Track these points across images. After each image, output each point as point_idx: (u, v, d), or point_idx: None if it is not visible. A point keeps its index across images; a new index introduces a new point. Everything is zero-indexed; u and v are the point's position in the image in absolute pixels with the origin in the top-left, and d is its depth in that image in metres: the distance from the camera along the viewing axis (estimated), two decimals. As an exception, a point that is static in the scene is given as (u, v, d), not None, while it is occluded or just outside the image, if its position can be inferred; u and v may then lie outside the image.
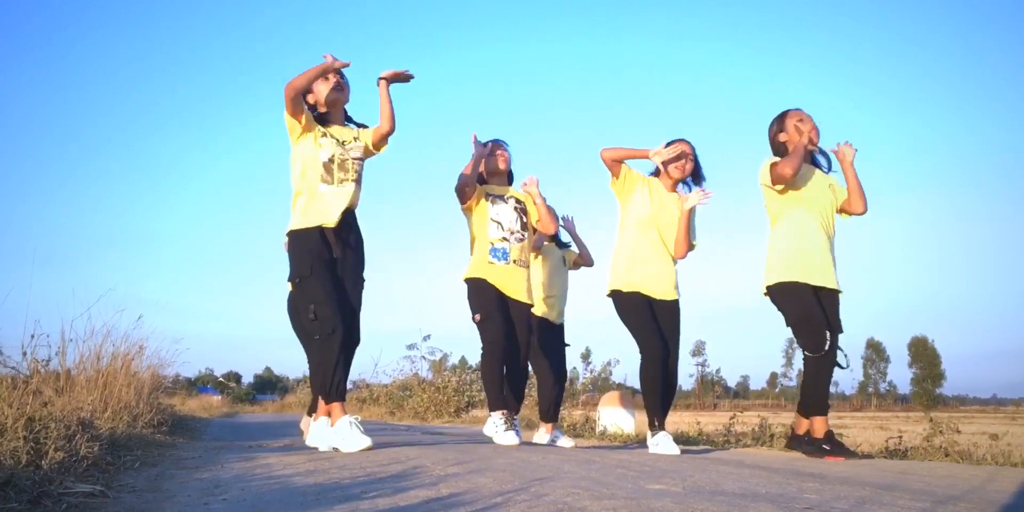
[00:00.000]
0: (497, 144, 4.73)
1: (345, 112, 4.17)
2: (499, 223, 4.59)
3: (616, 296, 4.33)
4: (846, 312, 4.09)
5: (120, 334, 5.17)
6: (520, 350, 4.56)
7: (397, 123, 4.06)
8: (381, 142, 4.10)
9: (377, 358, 17.04)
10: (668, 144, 4.36)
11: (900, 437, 4.70)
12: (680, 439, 5.48)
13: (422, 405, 12.82)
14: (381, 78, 4.03)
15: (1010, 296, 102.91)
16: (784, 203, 4.16)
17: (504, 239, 4.56)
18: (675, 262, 4.41)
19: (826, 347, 3.90)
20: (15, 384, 3.34)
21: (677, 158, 4.38)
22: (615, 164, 4.35)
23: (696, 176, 4.48)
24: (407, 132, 4.09)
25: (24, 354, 4.11)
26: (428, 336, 14.01)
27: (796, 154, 4.07)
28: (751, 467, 3.12)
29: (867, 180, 4.20)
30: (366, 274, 4.06)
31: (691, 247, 4.47)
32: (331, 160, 3.96)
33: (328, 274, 3.84)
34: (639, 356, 4.20)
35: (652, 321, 4.23)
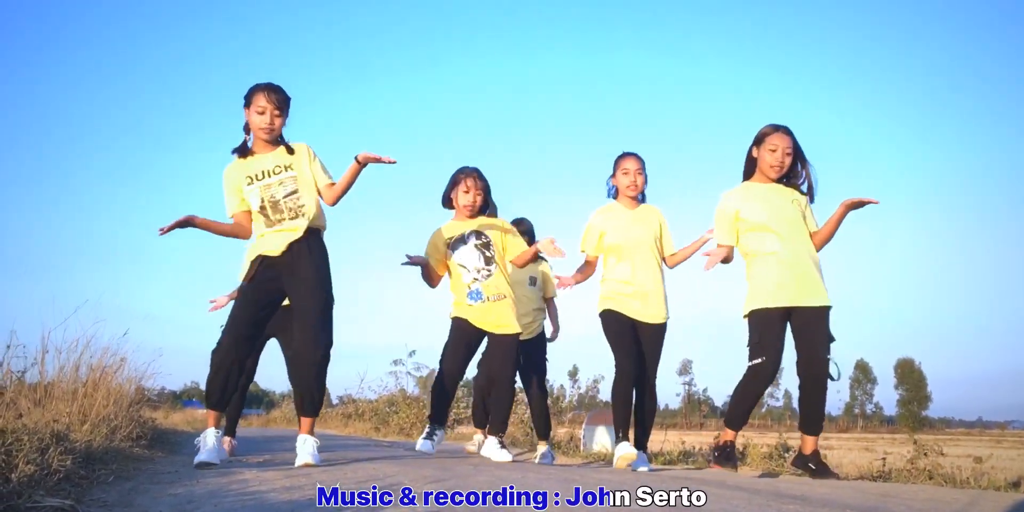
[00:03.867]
0: (467, 174, 4.69)
1: (280, 135, 3.99)
2: (465, 267, 4.70)
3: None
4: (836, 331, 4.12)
5: (101, 345, 5.12)
6: (497, 377, 4.75)
7: (342, 200, 3.98)
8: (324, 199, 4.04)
9: (363, 373, 16.94)
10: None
11: (884, 459, 4.68)
12: (664, 459, 5.46)
13: (408, 421, 12.74)
14: (357, 160, 3.85)
15: (997, 319, 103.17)
16: (747, 232, 4.18)
17: (475, 280, 4.68)
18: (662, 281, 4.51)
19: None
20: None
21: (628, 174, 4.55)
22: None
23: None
24: (399, 144, 4.06)
25: (-1, 365, 4.06)
26: (414, 352, 13.87)
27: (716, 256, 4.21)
28: (732, 488, 3.10)
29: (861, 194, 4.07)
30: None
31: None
32: (262, 207, 3.92)
33: (247, 303, 3.87)
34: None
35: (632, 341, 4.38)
